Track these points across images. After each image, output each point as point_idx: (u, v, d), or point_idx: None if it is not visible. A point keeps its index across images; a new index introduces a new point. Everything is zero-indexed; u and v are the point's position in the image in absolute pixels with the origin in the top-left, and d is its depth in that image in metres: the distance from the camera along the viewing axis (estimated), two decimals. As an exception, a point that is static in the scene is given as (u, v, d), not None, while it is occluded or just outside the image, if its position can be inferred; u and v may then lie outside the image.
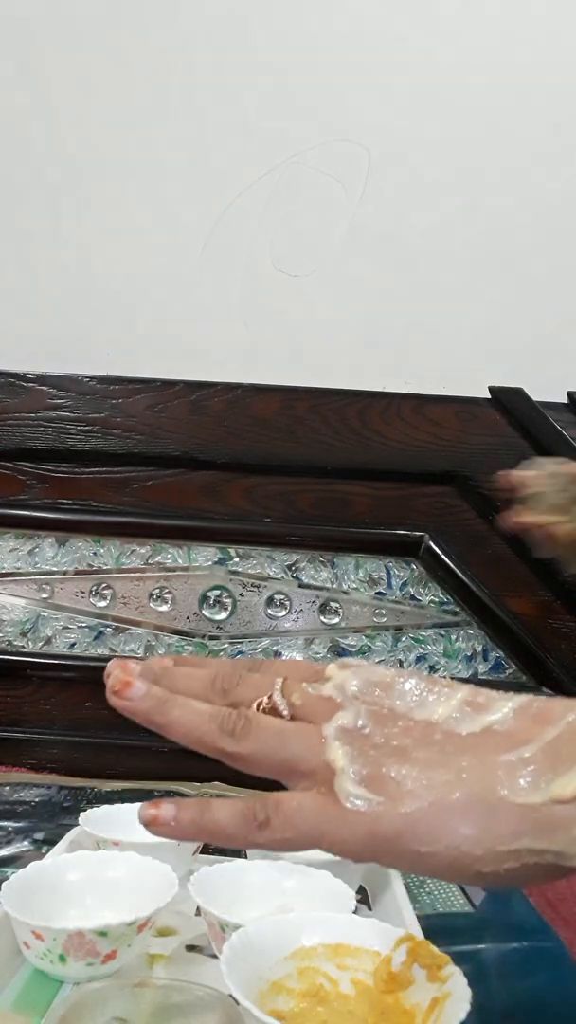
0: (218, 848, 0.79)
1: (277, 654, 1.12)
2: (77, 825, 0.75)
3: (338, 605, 1.13)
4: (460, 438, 1.11)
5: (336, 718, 0.38)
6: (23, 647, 1.13)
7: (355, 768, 0.36)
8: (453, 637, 1.12)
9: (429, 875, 0.38)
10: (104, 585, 1.13)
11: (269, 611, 1.13)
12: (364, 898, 0.71)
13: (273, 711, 0.39)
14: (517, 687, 1.08)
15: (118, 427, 1.12)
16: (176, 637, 1.13)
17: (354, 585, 1.13)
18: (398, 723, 0.38)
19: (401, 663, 1.12)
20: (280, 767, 0.38)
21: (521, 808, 0.35)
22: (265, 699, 0.40)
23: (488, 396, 1.11)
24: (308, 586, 1.13)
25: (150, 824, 0.38)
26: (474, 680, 1.11)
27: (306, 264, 1.17)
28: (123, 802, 0.80)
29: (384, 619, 1.13)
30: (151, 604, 1.13)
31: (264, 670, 0.42)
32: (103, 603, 1.13)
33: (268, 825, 0.37)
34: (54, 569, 1.13)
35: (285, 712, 0.39)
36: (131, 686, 0.40)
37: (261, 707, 0.39)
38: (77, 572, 1.13)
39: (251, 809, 0.37)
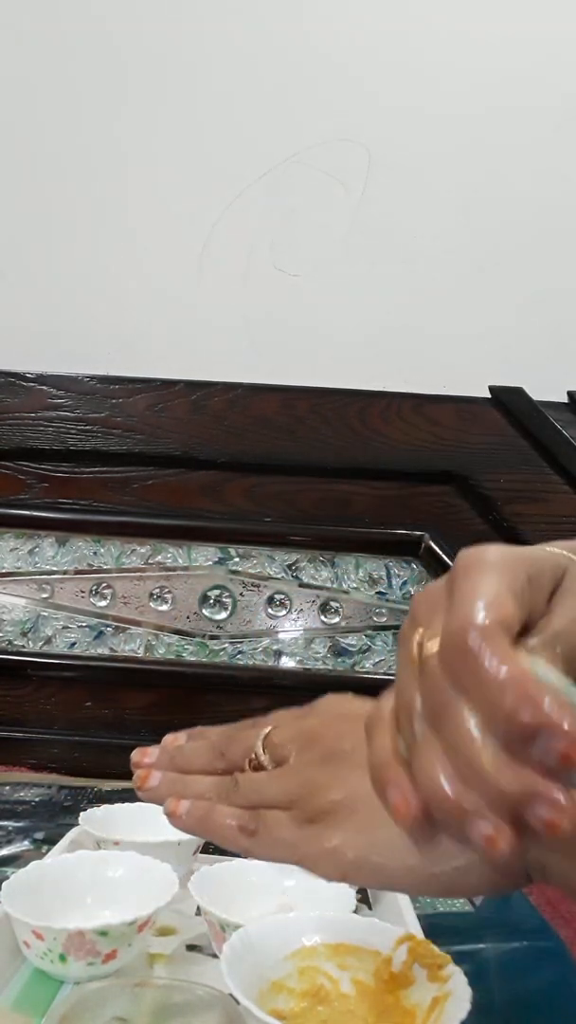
0: (218, 848, 0.79)
1: (278, 653, 1.12)
2: (77, 825, 0.75)
3: (338, 605, 1.13)
4: (460, 438, 1.11)
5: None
6: (23, 647, 1.13)
7: None
8: (453, 637, 1.12)
9: (392, 887, 0.40)
10: (104, 585, 1.13)
11: (269, 611, 1.13)
12: (364, 898, 0.71)
13: (258, 766, 0.44)
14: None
15: (118, 427, 1.12)
16: (176, 637, 1.13)
17: (354, 585, 1.13)
18: None
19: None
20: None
21: None
22: (252, 756, 0.44)
23: (488, 396, 1.11)
24: (308, 586, 1.13)
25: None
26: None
27: (306, 264, 1.17)
28: (123, 802, 0.80)
29: (384, 619, 1.13)
30: (151, 604, 1.13)
31: (259, 725, 0.46)
32: (103, 603, 1.13)
33: (255, 835, 0.42)
34: (54, 569, 1.13)
35: (268, 766, 0.44)
36: (148, 778, 0.48)
37: (251, 763, 0.44)
38: (77, 572, 1.13)
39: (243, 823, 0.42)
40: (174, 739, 0.50)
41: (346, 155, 1.15)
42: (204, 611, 1.13)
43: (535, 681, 0.31)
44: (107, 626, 1.13)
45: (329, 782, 0.41)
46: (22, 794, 0.99)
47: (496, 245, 1.16)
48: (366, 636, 1.13)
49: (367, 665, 1.12)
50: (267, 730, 0.45)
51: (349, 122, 1.15)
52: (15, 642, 1.13)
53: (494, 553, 0.37)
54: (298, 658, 1.12)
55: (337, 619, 1.13)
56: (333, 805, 0.40)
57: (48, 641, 1.13)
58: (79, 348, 1.15)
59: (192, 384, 1.12)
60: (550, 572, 0.37)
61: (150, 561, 1.13)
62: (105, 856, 0.66)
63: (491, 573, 0.36)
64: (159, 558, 1.13)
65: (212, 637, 1.13)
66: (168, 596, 1.13)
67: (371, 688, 0.38)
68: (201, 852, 0.74)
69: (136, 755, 0.50)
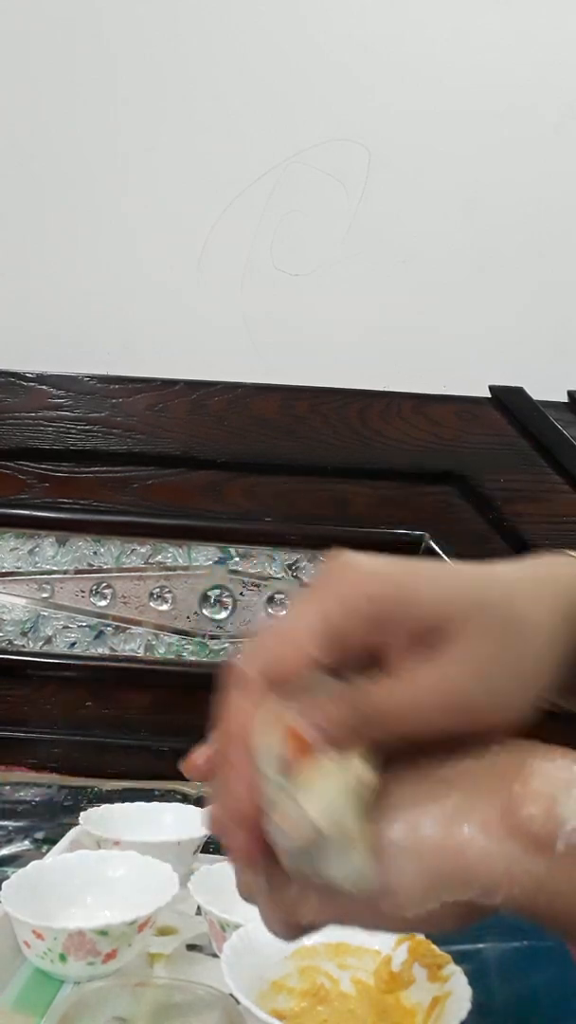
0: (219, 847, 0.79)
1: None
2: (77, 824, 0.75)
3: (338, 605, 1.12)
4: (460, 438, 1.11)
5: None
6: (23, 647, 1.13)
7: None
8: (453, 637, 1.12)
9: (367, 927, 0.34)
10: (104, 584, 1.13)
11: (269, 610, 1.13)
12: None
13: None
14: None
15: (118, 427, 1.12)
16: (176, 636, 1.13)
17: (354, 585, 1.12)
18: None
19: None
20: None
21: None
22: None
23: (488, 395, 1.11)
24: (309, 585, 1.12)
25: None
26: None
27: (306, 264, 1.17)
28: (123, 802, 0.80)
29: (384, 619, 1.12)
30: (151, 603, 1.13)
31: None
32: (103, 602, 1.13)
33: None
34: (54, 568, 1.13)
35: None
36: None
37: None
38: (77, 571, 1.13)
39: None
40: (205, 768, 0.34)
41: (346, 155, 1.15)
42: (204, 611, 1.13)
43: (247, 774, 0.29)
44: (107, 626, 1.13)
45: None
46: (22, 794, 0.99)
47: (496, 245, 1.16)
48: (366, 636, 1.12)
49: (367, 665, 1.12)
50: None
51: (349, 122, 1.15)
52: (15, 642, 1.13)
53: (351, 570, 0.31)
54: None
55: (337, 619, 1.12)
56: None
57: (48, 641, 1.13)
58: (79, 348, 1.15)
59: (192, 384, 1.12)
60: (416, 614, 0.31)
61: (150, 561, 1.13)
62: (105, 856, 0.66)
63: (314, 600, 0.32)
64: (159, 558, 1.13)
65: (212, 637, 1.13)
66: (168, 596, 1.13)
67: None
68: (201, 852, 0.74)
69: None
